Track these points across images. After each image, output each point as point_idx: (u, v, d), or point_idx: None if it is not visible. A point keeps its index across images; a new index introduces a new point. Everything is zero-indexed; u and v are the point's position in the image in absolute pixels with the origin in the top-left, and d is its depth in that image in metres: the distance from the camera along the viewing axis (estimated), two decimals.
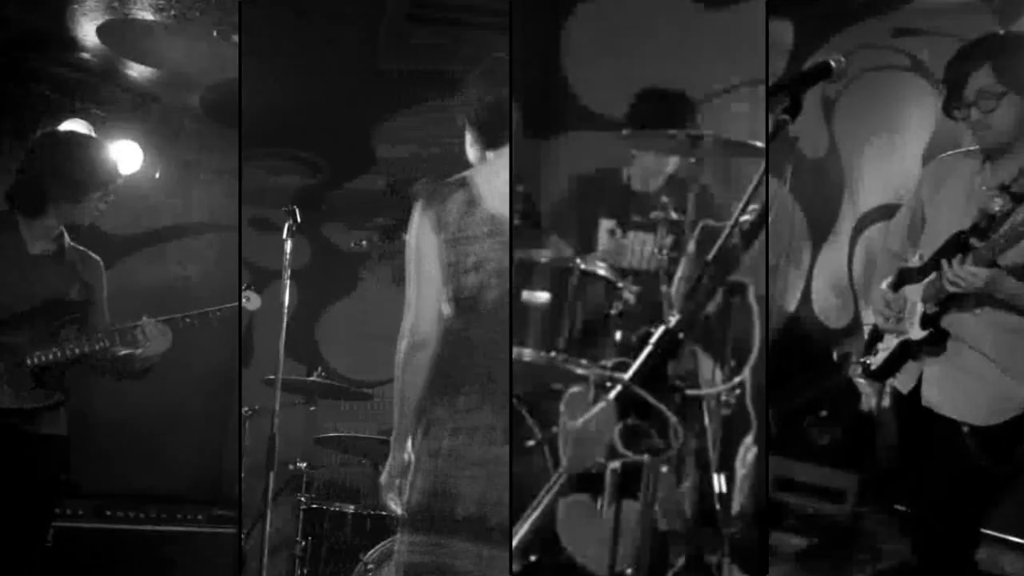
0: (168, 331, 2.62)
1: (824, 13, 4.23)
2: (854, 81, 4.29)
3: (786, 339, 4.37)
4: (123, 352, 2.62)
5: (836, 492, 3.96)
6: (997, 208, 2.24)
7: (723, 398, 2.10)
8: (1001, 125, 2.27)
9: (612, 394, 1.67)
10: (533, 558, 2.12)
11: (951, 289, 2.24)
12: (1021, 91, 2.25)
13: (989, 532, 3.26)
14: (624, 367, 1.68)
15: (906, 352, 2.42)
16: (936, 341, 2.32)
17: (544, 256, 2.28)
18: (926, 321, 2.34)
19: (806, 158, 4.48)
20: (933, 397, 2.34)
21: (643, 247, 2.31)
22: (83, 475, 2.92)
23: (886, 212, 4.38)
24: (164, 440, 4.10)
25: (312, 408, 3.65)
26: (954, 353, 2.32)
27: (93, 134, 3.65)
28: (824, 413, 4.09)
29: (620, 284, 2.27)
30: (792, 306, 4.53)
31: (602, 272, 2.30)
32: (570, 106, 2.81)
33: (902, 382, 2.45)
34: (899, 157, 4.32)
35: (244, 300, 2.83)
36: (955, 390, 2.30)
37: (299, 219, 2.78)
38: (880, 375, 2.54)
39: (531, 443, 2.18)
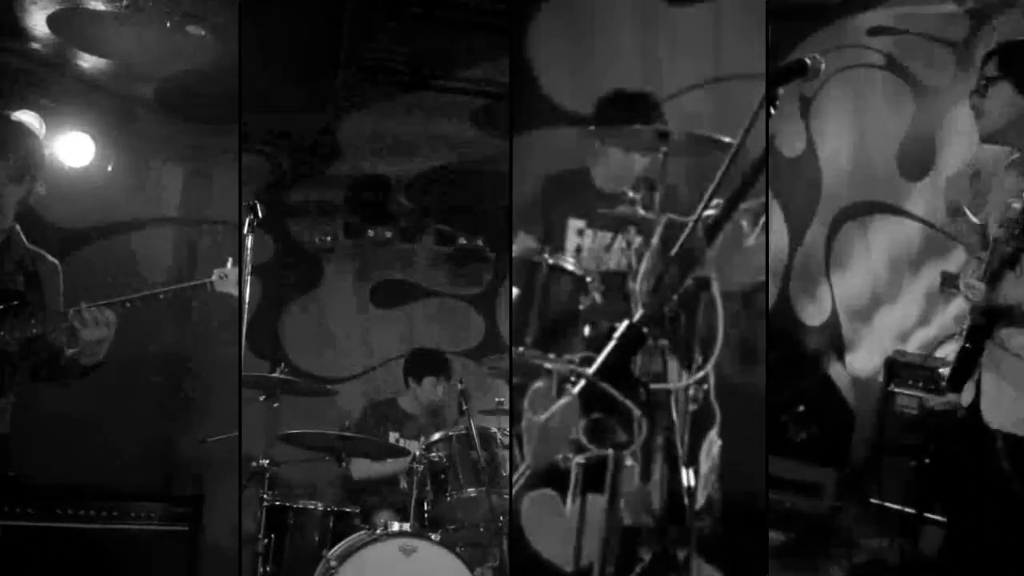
0: (109, 316, 2.50)
1: (801, 12, 4.26)
2: (830, 79, 4.32)
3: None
4: (68, 352, 2.53)
5: (813, 487, 3.98)
6: (1016, 213, 2.13)
7: (690, 392, 2.10)
8: (992, 110, 2.25)
9: (576, 389, 1.67)
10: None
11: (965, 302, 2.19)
12: (1016, 78, 2.22)
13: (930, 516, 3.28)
14: (590, 362, 1.69)
15: (966, 363, 2.29)
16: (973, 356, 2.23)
17: (512, 252, 2.29)
18: (972, 333, 2.26)
19: (783, 155, 4.52)
20: (989, 412, 2.23)
21: (611, 244, 2.32)
22: (30, 472, 2.89)
23: (862, 209, 4.43)
24: (113, 435, 4.02)
25: (275, 404, 3.63)
26: (1002, 365, 2.20)
27: (43, 126, 3.56)
28: (801, 409, 4.11)
29: (588, 279, 2.28)
30: (770, 302, 4.55)
31: (570, 267, 2.30)
32: (538, 102, 2.81)
33: (965, 395, 2.33)
34: (874, 154, 4.36)
35: (219, 277, 2.69)
36: (1010, 404, 2.18)
37: (260, 214, 2.73)
38: (951, 386, 2.38)
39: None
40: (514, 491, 1.99)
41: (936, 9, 4.12)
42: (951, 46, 4.11)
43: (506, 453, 3.11)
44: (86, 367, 2.60)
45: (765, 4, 2.71)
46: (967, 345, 2.25)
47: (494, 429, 3.34)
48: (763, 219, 2.20)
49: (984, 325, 2.22)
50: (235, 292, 2.70)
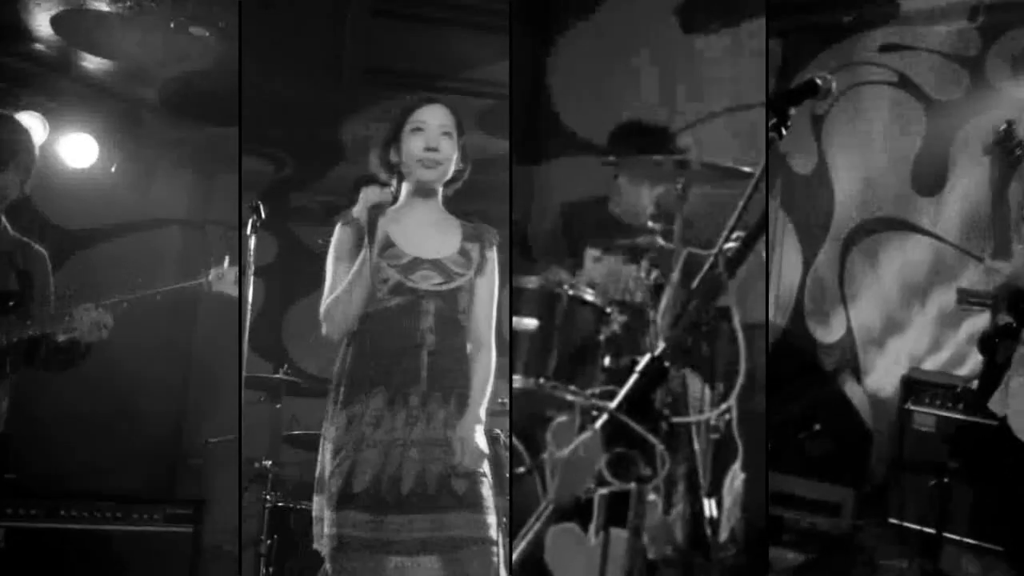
0: (106, 318, 2.50)
1: (812, 31, 4.27)
2: (842, 96, 4.32)
3: (778, 353, 4.38)
4: (62, 339, 2.50)
5: (832, 506, 3.96)
6: None
7: (712, 423, 2.10)
8: None
9: (598, 423, 1.67)
10: None
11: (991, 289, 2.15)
12: None
13: (951, 535, 3.28)
14: (612, 395, 1.69)
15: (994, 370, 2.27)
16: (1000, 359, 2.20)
17: (532, 282, 2.29)
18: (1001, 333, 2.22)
19: (796, 174, 4.51)
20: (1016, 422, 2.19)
21: (630, 274, 2.32)
22: (31, 473, 2.89)
23: (876, 226, 4.42)
24: (115, 436, 4.01)
25: (278, 405, 3.63)
26: None
27: (46, 128, 3.58)
28: (817, 427, 4.09)
29: (608, 310, 2.28)
30: (784, 320, 4.54)
31: (590, 298, 2.30)
32: (557, 133, 2.82)
33: (997, 403, 2.29)
34: (888, 171, 4.35)
35: (216, 277, 2.65)
36: None
37: (264, 215, 2.72)
38: (977, 397, 2.37)
39: (522, 470, 2.18)
40: (538, 525, 2.00)
41: (947, 26, 4.12)
42: (963, 62, 4.11)
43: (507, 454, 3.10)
44: (71, 357, 2.58)
45: (766, 27, 2.71)
46: (996, 340, 2.17)
47: (498, 431, 3.32)
48: (778, 247, 2.19)
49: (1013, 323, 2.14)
50: (232, 292, 2.68)
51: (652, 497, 1.97)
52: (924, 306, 4.25)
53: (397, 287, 2.09)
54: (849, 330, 4.43)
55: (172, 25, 3.29)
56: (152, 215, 4.46)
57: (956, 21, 4.06)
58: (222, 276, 2.67)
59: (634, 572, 1.73)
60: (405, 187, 2.20)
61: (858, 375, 4.40)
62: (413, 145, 2.15)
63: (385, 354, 2.07)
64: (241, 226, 2.72)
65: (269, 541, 3.35)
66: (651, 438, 1.69)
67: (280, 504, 3.44)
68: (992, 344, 2.27)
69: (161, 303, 2.64)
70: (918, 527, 3.64)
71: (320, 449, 2.08)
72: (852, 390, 4.32)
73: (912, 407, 3.83)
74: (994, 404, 2.30)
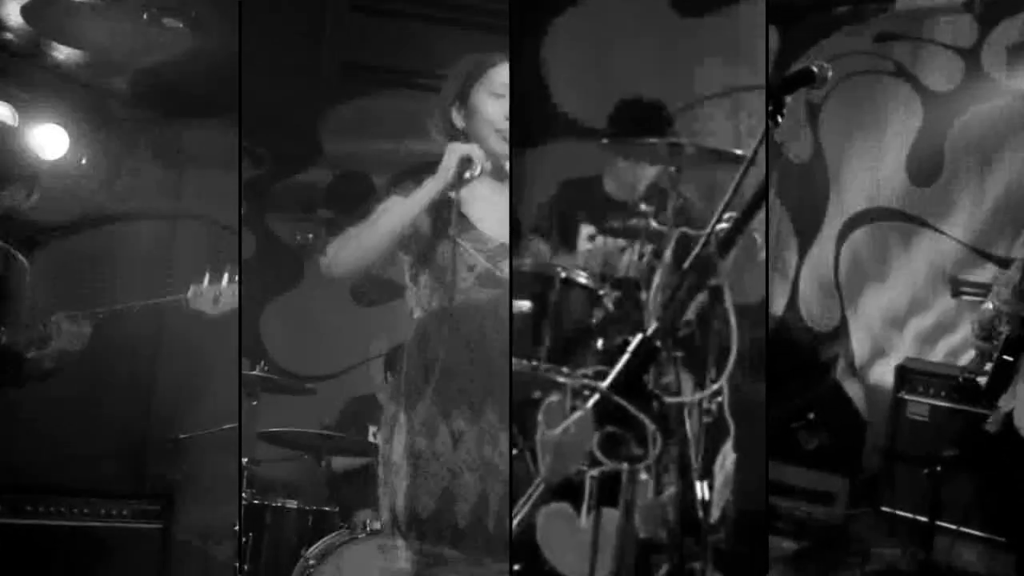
0: (87, 327, 2.53)
1: (809, 19, 4.27)
2: (838, 86, 4.32)
3: (773, 343, 4.39)
4: (30, 355, 2.52)
5: (826, 495, 3.97)
6: None
7: (705, 405, 2.10)
8: None
9: (590, 403, 1.67)
10: (516, 567, 2.13)
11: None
12: None
13: (943, 524, 3.30)
14: (604, 375, 1.69)
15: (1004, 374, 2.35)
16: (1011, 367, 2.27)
17: (525, 265, 2.29)
18: (1010, 344, 2.30)
19: (791, 163, 4.52)
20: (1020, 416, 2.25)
21: (623, 255, 2.32)
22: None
23: (872, 216, 4.43)
24: (83, 430, 3.95)
25: (254, 402, 3.62)
26: None
27: (16, 118, 3.55)
28: (812, 416, 4.10)
29: (601, 292, 2.28)
30: (779, 310, 4.55)
31: (583, 280, 2.31)
32: (551, 114, 2.82)
33: (1007, 401, 2.38)
34: (884, 161, 4.36)
35: (195, 294, 2.66)
36: None
37: (241, 211, 2.72)
38: (986, 394, 2.44)
39: (514, 451, 2.18)
40: (528, 505, 2.00)
41: (944, 15, 4.13)
42: (960, 52, 4.11)
43: None
44: (48, 371, 2.61)
45: (765, 13, 2.70)
46: (1005, 357, 2.21)
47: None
48: (774, 236, 2.20)
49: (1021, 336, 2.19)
50: (210, 311, 2.70)
51: (644, 477, 1.97)
52: (919, 295, 4.26)
53: (487, 276, 1.93)
54: (844, 319, 4.44)
55: (144, 16, 3.25)
56: (122, 208, 4.42)
57: (952, 10, 4.06)
58: (201, 294, 2.69)
59: (625, 552, 1.74)
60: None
61: (853, 365, 4.41)
62: (492, 111, 1.91)
63: (484, 356, 1.91)
64: (240, 225, 2.72)
65: (245, 539, 3.34)
66: (643, 417, 1.69)
67: (256, 501, 3.43)
68: (1018, 348, 2.32)
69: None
70: (911, 516, 3.65)
71: (387, 463, 1.92)
72: (847, 380, 4.34)
73: (906, 396, 3.84)
74: (1004, 401, 2.33)
